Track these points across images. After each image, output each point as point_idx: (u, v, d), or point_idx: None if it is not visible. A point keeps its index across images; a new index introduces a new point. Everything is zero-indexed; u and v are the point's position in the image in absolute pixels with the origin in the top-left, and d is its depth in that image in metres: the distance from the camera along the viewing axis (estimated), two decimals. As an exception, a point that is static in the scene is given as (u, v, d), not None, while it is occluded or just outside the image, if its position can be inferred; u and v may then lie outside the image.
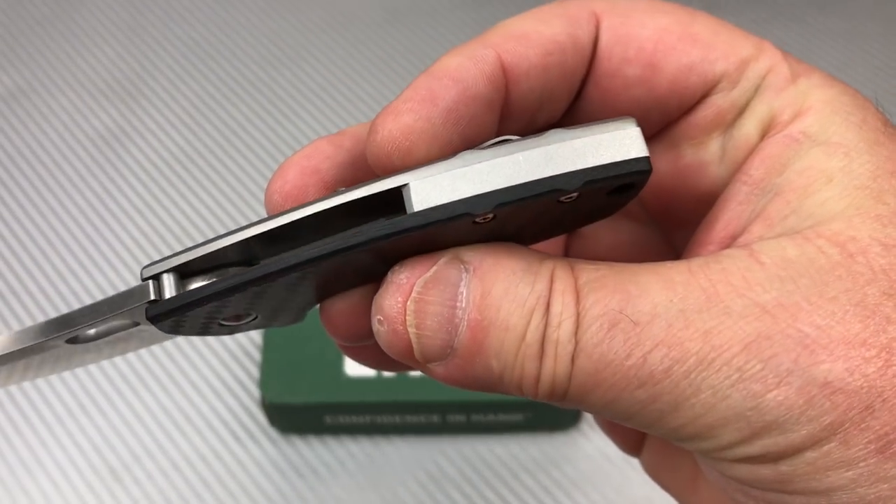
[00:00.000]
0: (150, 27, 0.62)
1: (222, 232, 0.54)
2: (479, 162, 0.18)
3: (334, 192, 0.18)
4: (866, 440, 0.17)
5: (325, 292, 0.21)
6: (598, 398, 0.18)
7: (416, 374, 0.41)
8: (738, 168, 0.21)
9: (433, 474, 0.44)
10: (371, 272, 0.19)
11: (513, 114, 0.20)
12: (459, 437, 0.44)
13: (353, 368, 0.42)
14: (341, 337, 0.21)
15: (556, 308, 0.18)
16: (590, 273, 0.18)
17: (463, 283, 0.18)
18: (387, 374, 0.42)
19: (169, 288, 0.19)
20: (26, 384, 0.46)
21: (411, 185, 0.18)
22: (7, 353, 0.20)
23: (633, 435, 0.26)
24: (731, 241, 0.20)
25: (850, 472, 0.17)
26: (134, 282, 0.50)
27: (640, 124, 0.18)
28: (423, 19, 0.63)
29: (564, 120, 0.22)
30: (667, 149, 0.22)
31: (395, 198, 0.18)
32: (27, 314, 0.48)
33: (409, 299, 0.19)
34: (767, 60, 0.20)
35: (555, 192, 0.18)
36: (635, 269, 0.18)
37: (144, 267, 0.19)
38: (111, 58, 0.60)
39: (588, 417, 0.45)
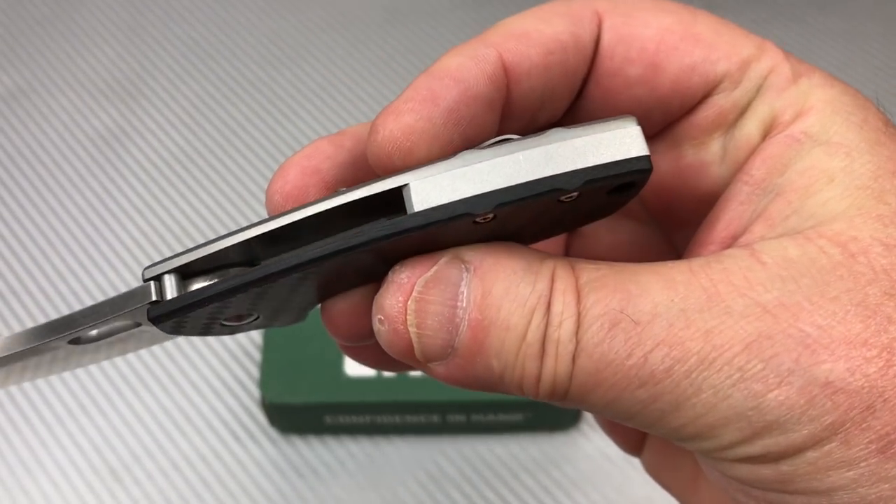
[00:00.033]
0: (150, 27, 0.62)
1: (222, 231, 0.54)
2: (480, 162, 0.18)
3: (335, 193, 0.18)
4: (867, 440, 0.17)
5: (327, 292, 0.21)
6: (598, 398, 0.18)
7: (416, 374, 0.41)
8: (739, 168, 0.21)
9: (433, 474, 0.44)
10: (372, 272, 0.19)
11: (514, 113, 0.20)
12: (459, 437, 0.44)
13: (353, 368, 0.42)
14: (342, 337, 0.21)
15: (556, 307, 0.18)
16: (591, 272, 0.18)
17: (464, 283, 0.18)
18: (387, 374, 0.42)
19: (170, 289, 0.19)
20: (26, 384, 0.46)
21: (412, 186, 0.18)
22: (9, 355, 0.20)
23: (633, 435, 0.26)
24: (732, 241, 0.20)
25: (851, 472, 0.17)
26: (134, 282, 0.50)
27: (640, 123, 0.18)
28: (423, 19, 0.63)
29: (565, 118, 0.22)
30: (668, 148, 0.22)
31: (396, 198, 0.18)
32: (27, 314, 0.48)
33: (410, 299, 0.18)
34: (769, 61, 0.20)
35: (555, 192, 0.18)
36: (636, 268, 0.18)
37: (146, 268, 0.19)
38: (111, 58, 0.60)
39: (588, 417, 0.45)
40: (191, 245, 0.52)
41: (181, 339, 0.48)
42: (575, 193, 0.18)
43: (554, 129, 0.18)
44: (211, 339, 0.48)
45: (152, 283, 0.19)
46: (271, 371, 0.42)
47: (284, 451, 0.44)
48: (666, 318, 0.17)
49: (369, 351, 0.24)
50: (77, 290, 0.49)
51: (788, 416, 0.17)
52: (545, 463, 0.44)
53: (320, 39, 0.61)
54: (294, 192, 0.20)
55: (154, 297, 0.19)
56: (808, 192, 0.19)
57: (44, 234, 0.52)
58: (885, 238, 0.18)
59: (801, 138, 0.19)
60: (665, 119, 0.22)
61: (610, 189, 0.19)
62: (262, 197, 0.53)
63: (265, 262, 0.19)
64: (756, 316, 0.17)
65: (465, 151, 0.18)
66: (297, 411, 0.43)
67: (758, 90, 0.20)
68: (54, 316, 0.49)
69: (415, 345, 0.19)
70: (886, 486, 0.17)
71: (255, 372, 0.46)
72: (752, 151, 0.20)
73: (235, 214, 0.53)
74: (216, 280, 0.19)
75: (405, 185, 0.18)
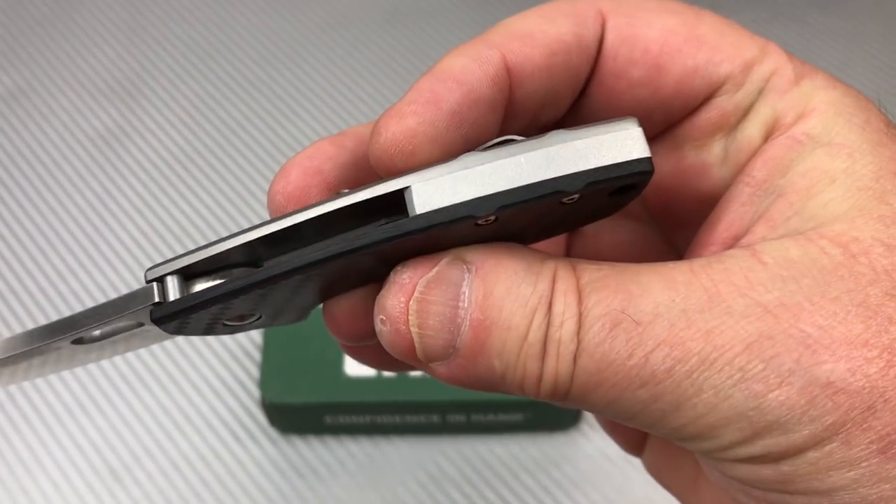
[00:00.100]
0: (150, 27, 0.62)
1: (222, 231, 0.54)
2: (481, 164, 0.18)
3: (337, 195, 0.19)
4: (868, 440, 0.17)
5: (328, 293, 0.21)
6: (599, 398, 0.18)
7: (416, 374, 0.41)
8: (740, 169, 0.21)
9: (433, 474, 0.44)
10: (374, 273, 0.19)
11: (516, 113, 0.20)
12: (459, 437, 0.44)
13: (353, 368, 0.42)
14: (344, 337, 0.21)
15: (558, 308, 0.18)
16: (592, 273, 0.18)
17: (465, 283, 0.18)
18: (387, 374, 0.42)
19: (173, 290, 0.19)
20: (26, 384, 0.46)
21: (413, 188, 0.18)
22: (13, 355, 0.20)
23: (634, 435, 0.26)
24: (733, 242, 0.20)
25: (851, 473, 0.17)
26: (134, 282, 0.50)
27: (642, 125, 0.18)
28: (424, 19, 0.63)
29: (567, 118, 0.22)
30: (669, 150, 0.22)
31: (398, 199, 0.18)
32: (27, 314, 0.48)
33: (412, 299, 0.19)
34: (772, 63, 0.20)
35: (557, 194, 0.18)
36: (637, 269, 0.18)
37: (148, 269, 0.19)
38: (111, 58, 0.60)
39: (588, 417, 0.45)
40: (191, 245, 0.51)
41: (181, 339, 0.48)
42: (576, 195, 0.18)
43: (555, 131, 0.18)
44: (211, 339, 0.48)
45: (155, 284, 0.19)
46: (271, 371, 0.42)
47: (284, 451, 0.44)
48: (667, 318, 0.17)
49: (370, 351, 0.24)
50: (77, 290, 0.49)
51: (789, 416, 0.17)
52: (545, 463, 0.44)
53: (320, 39, 0.61)
54: (296, 192, 0.20)
55: (157, 299, 0.19)
56: (809, 193, 0.19)
57: (44, 234, 0.52)
58: (887, 239, 0.18)
59: (802, 140, 0.19)
60: (667, 120, 0.22)
61: (611, 191, 0.19)
62: (263, 197, 0.53)
63: (268, 264, 0.19)
64: (757, 316, 0.17)
65: (467, 154, 0.18)
66: (297, 411, 0.43)
67: (760, 92, 0.20)
68: (54, 316, 0.49)
69: (416, 345, 0.19)
70: (887, 486, 0.17)
71: (255, 372, 0.46)
72: (754, 153, 0.20)
73: (235, 214, 0.53)
74: (219, 281, 0.19)
75: (407, 187, 0.18)
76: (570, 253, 0.25)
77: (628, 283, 0.18)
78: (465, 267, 0.19)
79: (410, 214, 0.18)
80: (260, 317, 0.21)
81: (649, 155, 0.18)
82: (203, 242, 0.21)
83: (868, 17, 0.63)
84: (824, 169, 0.19)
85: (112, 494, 0.43)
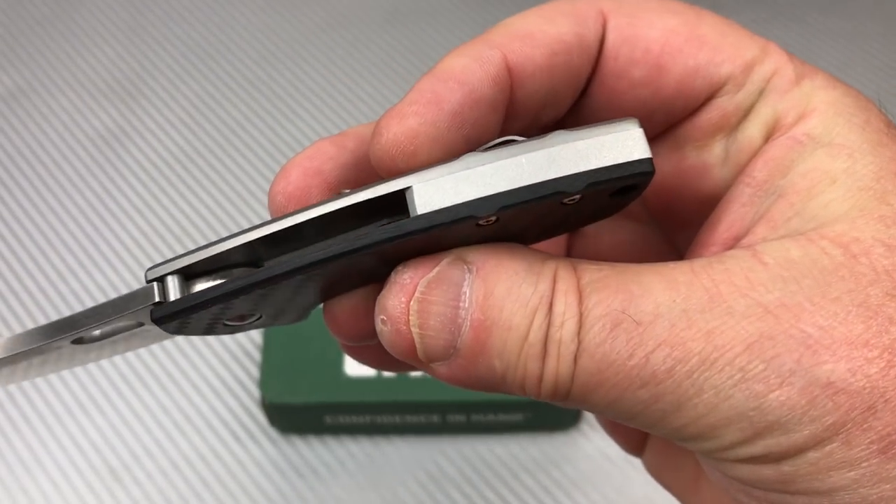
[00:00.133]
0: (150, 27, 0.62)
1: (222, 231, 0.54)
2: (482, 164, 0.18)
3: (338, 195, 0.19)
4: (868, 440, 0.17)
5: (329, 293, 0.21)
6: (600, 398, 0.18)
7: (416, 374, 0.41)
8: (741, 170, 0.21)
9: (433, 474, 0.44)
10: (375, 273, 0.19)
11: (517, 113, 0.20)
12: (459, 437, 0.45)
13: (353, 368, 0.42)
14: (344, 337, 0.21)
15: (558, 308, 0.18)
16: (592, 273, 0.18)
17: (466, 284, 0.18)
18: (387, 374, 0.42)
19: (174, 290, 0.19)
20: (26, 383, 0.46)
21: (415, 188, 0.18)
22: (13, 355, 0.20)
23: (635, 435, 0.26)
24: (734, 243, 0.20)
25: (852, 473, 0.17)
26: (134, 282, 0.50)
27: (643, 125, 0.18)
28: (424, 19, 0.63)
29: (568, 118, 0.22)
30: (670, 150, 0.22)
31: (399, 199, 0.18)
32: (27, 314, 0.48)
33: (413, 299, 0.19)
34: (772, 63, 0.20)
35: (558, 195, 0.18)
36: (638, 269, 0.18)
37: (149, 269, 0.19)
38: (111, 58, 0.60)
39: (588, 417, 0.45)
40: (191, 245, 0.51)
41: (181, 339, 0.48)
42: (577, 196, 0.18)
43: (556, 132, 0.18)
44: (211, 338, 0.48)
45: (155, 284, 0.19)
46: (271, 371, 0.42)
47: (284, 451, 0.44)
48: (668, 318, 0.17)
49: (371, 351, 0.24)
50: (77, 290, 0.49)
51: (790, 416, 0.17)
52: (545, 463, 0.44)
53: (320, 39, 0.61)
54: (296, 192, 0.20)
55: (157, 299, 0.19)
56: (810, 193, 0.19)
57: (44, 234, 0.52)
58: (888, 239, 0.18)
59: (803, 140, 0.19)
60: (668, 120, 0.22)
61: (612, 191, 0.19)
62: (263, 197, 0.53)
63: (269, 264, 0.19)
64: (758, 316, 0.17)
65: (468, 154, 0.18)
66: (297, 411, 0.43)
67: (761, 93, 0.20)
68: (54, 316, 0.49)
69: (417, 345, 0.19)
70: (888, 486, 0.17)
71: (255, 372, 0.46)
72: (755, 153, 0.20)
73: (235, 214, 0.53)
74: (219, 280, 0.19)
75: (408, 187, 0.18)
76: (571, 253, 0.25)
77: (629, 284, 0.18)
78: (465, 267, 0.19)
79: (412, 214, 0.18)
80: (260, 317, 0.21)
81: (650, 156, 0.18)
82: (203, 242, 0.21)
83: (868, 17, 0.63)
84: (825, 169, 0.19)
85: (112, 494, 0.43)
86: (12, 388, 0.46)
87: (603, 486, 0.43)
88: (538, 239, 0.21)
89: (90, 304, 0.49)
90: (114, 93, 0.58)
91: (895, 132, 0.20)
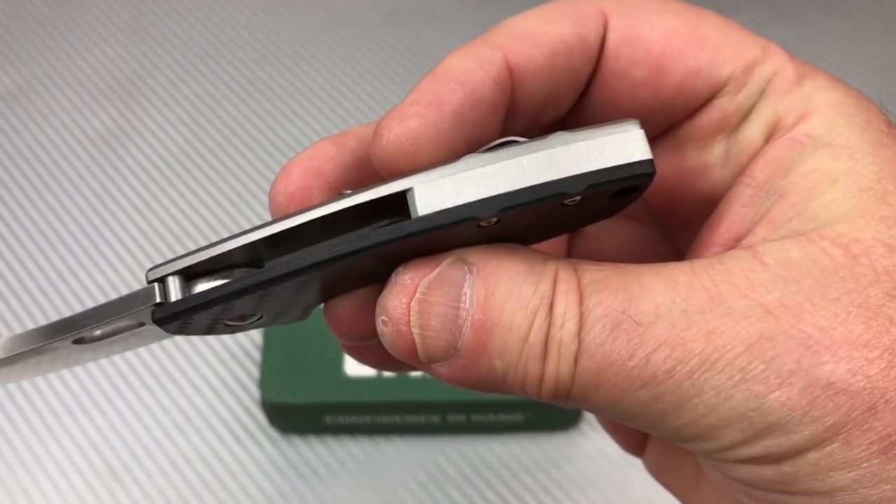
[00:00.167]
0: (150, 27, 0.62)
1: (222, 231, 0.54)
2: (483, 166, 0.18)
3: (339, 195, 0.19)
4: (869, 441, 0.17)
5: (330, 292, 0.21)
6: (600, 398, 0.18)
7: (416, 374, 0.41)
8: (741, 171, 0.21)
9: (433, 474, 0.44)
10: (376, 272, 0.20)
11: (518, 113, 0.20)
12: (459, 437, 0.45)
13: (353, 368, 0.42)
14: (345, 336, 0.21)
15: (559, 308, 0.18)
16: (593, 274, 0.18)
17: (467, 284, 0.18)
18: (387, 374, 0.42)
19: (174, 291, 0.19)
20: (26, 383, 0.46)
21: (416, 190, 0.18)
22: (14, 355, 0.20)
23: (635, 435, 0.26)
24: (734, 244, 0.20)
25: (852, 473, 0.17)
26: (134, 282, 0.50)
27: (644, 126, 0.18)
28: (424, 19, 0.63)
29: (569, 118, 0.22)
30: (670, 150, 0.22)
31: (400, 199, 0.18)
32: (27, 314, 0.48)
33: (413, 300, 0.19)
34: (773, 63, 0.20)
35: (559, 196, 0.18)
36: (639, 269, 0.18)
37: (150, 269, 0.19)
38: (111, 58, 0.60)
39: (588, 417, 0.45)
40: (191, 245, 0.51)
41: (181, 339, 0.48)
42: (578, 197, 0.18)
43: (557, 133, 0.18)
44: (211, 338, 0.48)
45: (156, 284, 0.19)
46: (271, 371, 0.42)
47: (284, 451, 0.44)
48: (668, 318, 0.17)
49: (371, 351, 0.24)
50: (77, 290, 0.49)
51: (790, 416, 0.17)
52: (545, 463, 0.44)
53: (320, 39, 0.61)
54: (297, 192, 0.20)
55: (158, 299, 0.19)
56: (810, 194, 0.19)
57: (44, 234, 0.52)
58: (888, 239, 0.18)
59: (804, 141, 0.19)
60: (668, 121, 0.22)
61: (613, 192, 0.19)
62: (263, 197, 0.53)
63: (270, 265, 0.19)
64: (758, 317, 0.17)
65: (469, 155, 0.18)
66: (297, 411, 0.43)
67: (761, 93, 0.20)
68: (54, 316, 0.49)
69: (418, 346, 0.19)
70: (888, 486, 0.17)
71: (255, 372, 0.46)
72: (755, 154, 0.20)
73: (235, 214, 0.53)
74: (220, 280, 0.19)
75: (410, 188, 0.18)
76: (572, 253, 0.25)
77: (629, 284, 0.18)
78: (466, 268, 0.19)
79: (413, 216, 0.18)
80: (261, 316, 0.21)
81: (651, 157, 0.18)
82: (203, 242, 0.21)
83: (868, 17, 0.63)
84: (825, 170, 0.19)
85: (112, 494, 0.43)
86: (12, 387, 0.46)
87: (603, 486, 0.43)
88: (539, 239, 0.21)
89: (90, 304, 0.49)
90: (114, 93, 0.58)
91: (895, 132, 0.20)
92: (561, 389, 0.18)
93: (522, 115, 0.21)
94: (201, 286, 0.19)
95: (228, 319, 0.20)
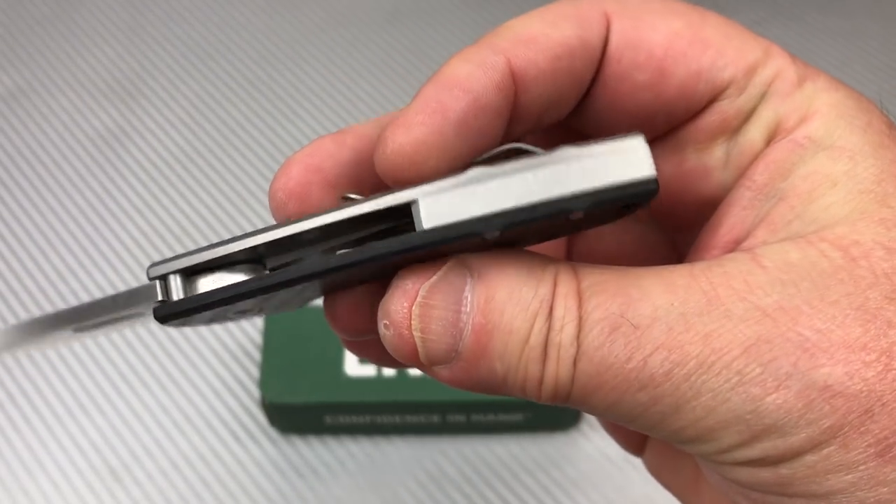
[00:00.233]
0: (150, 27, 0.62)
1: (222, 231, 0.54)
2: (489, 180, 0.18)
3: (343, 200, 0.19)
4: (866, 444, 0.17)
5: (331, 290, 0.21)
6: (599, 401, 0.18)
7: (416, 373, 0.41)
8: (742, 173, 0.20)
9: (433, 474, 0.44)
10: (377, 274, 0.20)
11: (520, 117, 0.20)
12: (459, 437, 0.45)
13: (353, 368, 0.42)
14: (344, 332, 0.21)
15: (558, 312, 0.18)
16: (593, 277, 0.18)
17: (467, 288, 0.18)
18: (387, 374, 0.42)
19: (176, 289, 0.19)
20: (26, 384, 0.46)
21: (421, 202, 0.18)
22: (17, 342, 0.20)
23: (635, 435, 0.26)
24: (734, 246, 0.20)
25: (849, 476, 0.17)
26: (134, 282, 0.50)
27: (647, 139, 0.18)
28: (424, 19, 0.63)
29: (570, 119, 0.22)
30: (671, 152, 0.22)
31: (404, 206, 0.18)
32: (27, 314, 0.48)
33: (415, 304, 0.19)
34: (775, 66, 0.20)
35: (563, 213, 0.18)
36: (638, 272, 0.18)
37: (151, 265, 0.19)
38: (111, 58, 0.60)
39: (588, 418, 0.45)
40: (191, 245, 0.51)
41: (181, 339, 0.48)
42: (582, 213, 0.18)
43: (563, 147, 0.18)
44: (211, 338, 0.48)
45: (158, 282, 0.19)
46: (271, 371, 0.42)
47: (284, 451, 0.44)
48: (665, 321, 0.17)
49: (371, 346, 0.24)
50: (77, 290, 0.49)
51: (786, 419, 0.17)
52: (545, 463, 0.44)
53: (320, 39, 0.61)
54: (297, 189, 0.20)
55: (160, 297, 0.19)
56: (811, 196, 0.19)
57: (44, 234, 0.52)
58: (888, 242, 0.18)
59: (804, 143, 0.19)
60: (669, 123, 0.22)
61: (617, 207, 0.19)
62: (263, 197, 0.53)
63: (273, 271, 0.19)
64: (755, 319, 0.17)
65: (475, 167, 0.18)
66: (297, 411, 0.43)
67: (762, 96, 0.20)
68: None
69: (419, 349, 0.19)
70: (885, 489, 0.17)
71: (255, 372, 0.46)
72: (756, 156, 0.20)
73: (235, 214, 0.53)
74: (221, 275, 0.19)
75: (414, 200, 0.18)
76: (572, 252, 0.25)
77: (628, 287, 0.18)
78: (467, 272, 0.19)
79: (417, 229, 0.18)
80: (262, 309, 0.21)
81: (655, 174, 0.18)
82: (203, 242, 0.21)
83: (867, 17, 0.63)
84: (826, 172, 0.19)
85: (112, 494, 0.43)
86: (12, 387, 0.46)
87: (603, 486, 0.43)
88: (539, 241, 0.21)
89: (90, 304, 0.49)
90: (114, 93, 0.58)
91: None
92: (560, 392, 0.18)
93: (525, 118, 0.20)
94: (202, 282, 0.19)
95: (229, 314, 0.20)
